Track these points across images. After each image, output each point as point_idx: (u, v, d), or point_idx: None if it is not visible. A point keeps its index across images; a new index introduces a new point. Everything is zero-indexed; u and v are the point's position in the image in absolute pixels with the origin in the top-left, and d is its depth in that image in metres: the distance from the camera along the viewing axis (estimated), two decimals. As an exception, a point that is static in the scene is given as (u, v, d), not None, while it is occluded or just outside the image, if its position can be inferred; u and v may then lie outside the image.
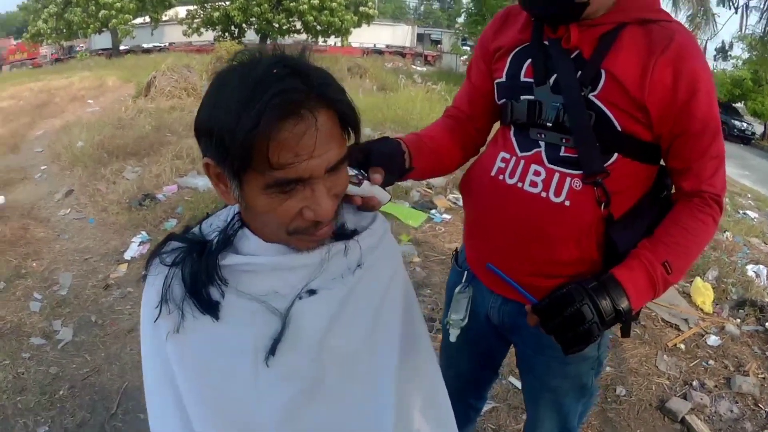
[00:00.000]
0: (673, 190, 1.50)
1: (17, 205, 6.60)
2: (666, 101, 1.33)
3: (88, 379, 3.38)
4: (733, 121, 26.58)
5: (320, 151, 0.92)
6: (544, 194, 1.43)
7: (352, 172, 1.17)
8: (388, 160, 1.36)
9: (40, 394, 3.22)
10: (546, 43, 1.47)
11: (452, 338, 1.66)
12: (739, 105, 31.05)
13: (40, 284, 4.60)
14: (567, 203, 1.41)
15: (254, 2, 26.16)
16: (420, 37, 46.45)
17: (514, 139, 1.53)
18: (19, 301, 4.31)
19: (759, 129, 29.89)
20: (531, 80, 1.49)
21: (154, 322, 1.02)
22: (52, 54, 39.79)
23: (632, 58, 1.35)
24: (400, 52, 31.70)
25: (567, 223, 1.42)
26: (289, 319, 1.03)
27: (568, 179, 1.42)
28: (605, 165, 1.39)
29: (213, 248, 1.06)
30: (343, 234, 1.14)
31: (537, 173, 1.45)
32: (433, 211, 6.00)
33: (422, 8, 78.61)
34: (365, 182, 1.22)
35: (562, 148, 1.42)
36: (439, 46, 42.40)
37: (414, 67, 22.74)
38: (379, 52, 30.90)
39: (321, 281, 1.08)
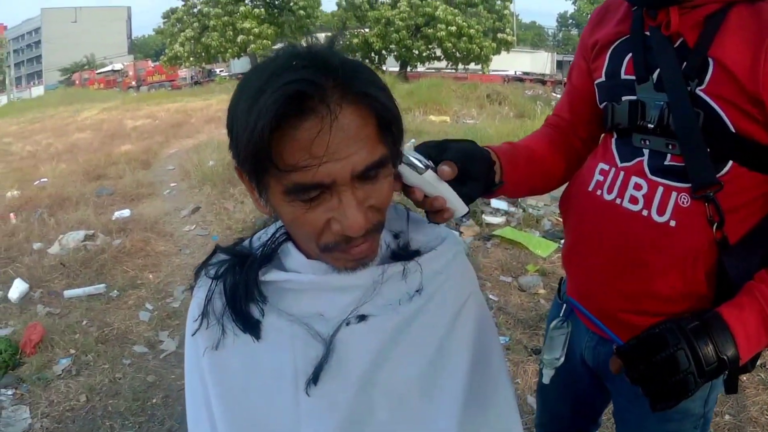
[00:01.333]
0: None
1: (142, 219, 7.06)
2: None
3: (183, 391, 3.54)
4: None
5: (343, 153, 0.82)
6: (645, 212, 1.24)
7: (415, 158, 1.04)
8: (468, 159, 1.15)
9: (133, 399, 3.42)
10: (647, 33, 1.30)
11: (545, 379, 1.45)
12: None
13: (153, 295, 4.91)
14: (672, 223, 1.21)
15: (393, 29, 26.94)
16: (559, 64, 45.90)
17: (614, 148, 1.37)
18: (130, 309, 4.64)
19: None
20: (632, 77, 1.31)
21: (192, 335, 0.99)
22: (192, 77, 42.08)
23: (742, 43, 1.15)
24: (541, 80, 31.26)
25: (671, 248, 1.21)
26: (333, 345, 0.94)
27: (674, 194, 1.21)
28: (717, 175, 1.17)
29: (255, 263, 1.00)
30: (403, 255, 1.02)
31: (638, 187, 1.27)
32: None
33: (560, 35, 78.19)
34: (431, 174, 1.06)
35: (668, 156, 1.23)
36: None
37: (554, 94, 22.42)
38: (520, 79, 30.60)
39: (372, 306, 0.97)
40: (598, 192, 1.35)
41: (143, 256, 5.77)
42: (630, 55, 1.32)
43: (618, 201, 1.30)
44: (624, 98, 1.31)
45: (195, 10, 30.01)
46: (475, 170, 1.16)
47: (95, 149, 12.77)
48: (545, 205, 6.40)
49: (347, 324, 0.95)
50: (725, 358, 1.05)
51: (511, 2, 30.59)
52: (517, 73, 34.78)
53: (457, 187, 1.11)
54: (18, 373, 3.72)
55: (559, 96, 20.97)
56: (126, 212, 7.31)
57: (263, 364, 0.96)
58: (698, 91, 1.17)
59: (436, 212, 1.09)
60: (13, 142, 16.58)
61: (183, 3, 30.44)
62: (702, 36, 1.18)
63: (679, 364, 1.04)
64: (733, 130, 1.15)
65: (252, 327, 0.97)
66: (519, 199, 6.43)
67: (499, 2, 29.93)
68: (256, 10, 29.19)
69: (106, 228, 6.59)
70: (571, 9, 72.91)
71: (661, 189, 1.23)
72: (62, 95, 35.14)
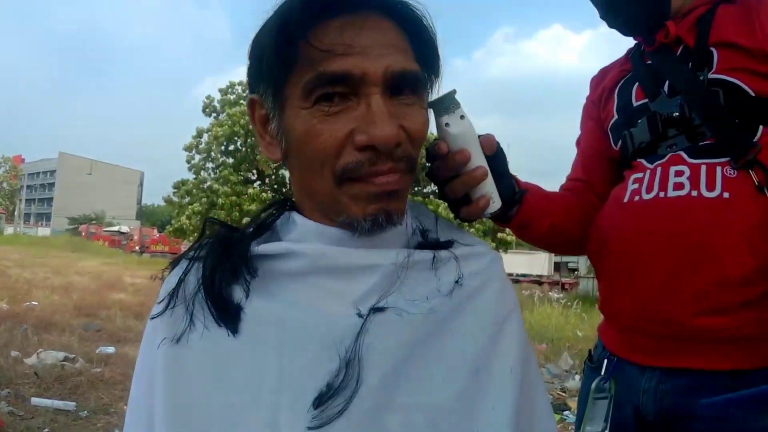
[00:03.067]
0: None
1: (126, 357, 6.92)
2: None
3: None
4: None
5: (377, 51, 0.76)
6: (695, 193, 1.19)
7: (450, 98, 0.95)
8: (492, 151, 1.04)
9: None
10: (649, 63, 1.40)
11: None
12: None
13: (122, 424, 4.64)
14: (726, 195, 1.16)
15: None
16: (557, 266, 46.06)
17: (643, 161, 1.33)
18: (98, 431, 4.44)
19: None
20: (644, 101, 1.36)
21: (151, 318, 0.82)
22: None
23: (734, 22, 1.26)
24: (537, 281, 31.71)
25: (731, 221, 1.14)
26: (353, 352, 0.74)
27: (718, 168, 1.19)
28: (753, 140, 1.18)
29: (247, 235, 0.85)
30: (430, 243, 0.88)
31: (679, 173, 1.23)
32: (567, 412, 5.69)
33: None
34: (468, 126, 0.96)
35: (699, 142, 1.23)
36: (575, 272, 41.91)
37: (551, 294, 22.84)
38: (516, 281, 30.82)
39: (396, 298, 0.79)
40: (636, 198, 1.29)
41: (121, 389, 5.58)
42: (637, 84, 1.40)
43: (661, 194, 1.24)
44: (639, 121, 1.34)
45: (205, 185, 30.10)
46: (500, 163, 1.06)
47: (90, 292, 12.74)
48: None
49: (360, 316, 0.76)
50: None
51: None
52: (515, 274, 35.04)
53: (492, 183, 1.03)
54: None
55: (555, 295, 21.21)
56: (111, 349, 7.17)
57: (236, 369, 0.75)
58: (711, 75, 1.23)
59: (469, 204, 1.02)
60: (12, 266, 16.73)
61: (194, 177, 30.76)
62: (699, 33, 1.29)
63: None
64: (753, 95, 1.19)
65: (229, 315, 0.77)
66: None
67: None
68: (264, 194, 29.35)
69: (88, 357, 6.48)
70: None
71: (704, 168, 1.20)
72: (67, 241, 35.73)
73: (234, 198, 29.33)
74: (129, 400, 0.82)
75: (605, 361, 1.34)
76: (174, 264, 0.86)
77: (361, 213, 0.77)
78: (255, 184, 31.01)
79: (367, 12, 0.77)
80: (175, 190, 31.45)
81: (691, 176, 1.20)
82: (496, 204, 1.03)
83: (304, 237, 0.82)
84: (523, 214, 1.26)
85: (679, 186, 1.21)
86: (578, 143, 1.62)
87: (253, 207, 28.07)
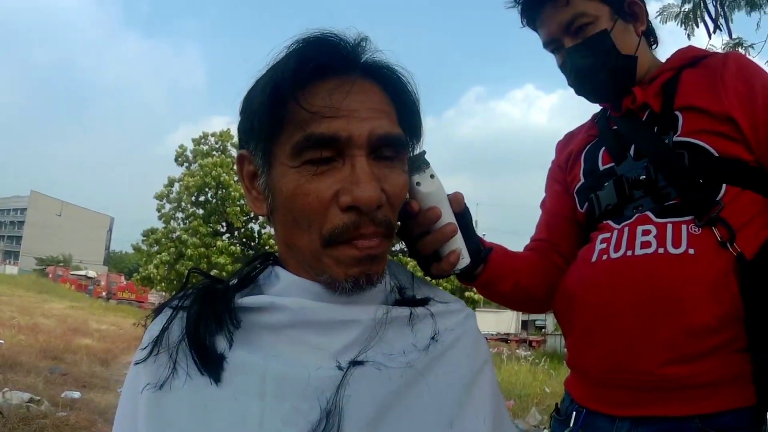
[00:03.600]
0: None
1: (92, 403, 6.86)
2: (748, 107, 1.29)
3: None
4: None
5: (364, 114, 0.80)
6: (661, 250, 1.25)
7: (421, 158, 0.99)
8: (460, 210, 1.10)
9: None
10: (615, 128, 1.47)
11: None
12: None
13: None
14: (691, 251, 1.22)
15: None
16: (524, 324, 46.16)
17: (610, 222, 1.39)
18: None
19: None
20: (610, 165, 1.43)
21: (135, 364, 0.82)
22: (160, 302, 42.29)
23: (699, 87, 1.34)
24: (505, 339, 31.62)
25: (697, 275, 1.20)
26: (334, 403, 0.76)
27: (684, 226, 1.25)
28: (716, 199, 1.26)
29: (231, 287, 0.88)
30: (407, 300, 0.91)
31: (646, 232, 1.29)
32: None
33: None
34: (438, 184, 1.01)
35: (665, 202, 1.30)
36: (543, 330, 41.87)
37: (518, 351, 22.70)
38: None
39: (375, 353, 0.81)
40: (604, 257, 1.33)
41: None
42: (603, 148, 1.47)
43: (629, 253, 1.29)
44: (606, 184, 1.41)
45: (174, 235, 29.87)
46: (467, 222, 1.12)
47: (57, 335, 12.56)
48: None
49: (340, 368, 0.79)
50: None
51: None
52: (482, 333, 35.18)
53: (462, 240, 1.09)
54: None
55: (523, 353, 21.08)
56: (76, 394, 7.11)
57: (218, 417, 0.76)
58: (676, 138, 1.31)
59: (439, 261, 1.07)
60: (-24, 303, 16.29)
61: (164, 226, 30.52)
62: (664, 98, 1.37)
63: None
64: (717, 155, 1.28)
65: (212, 364, 0.79)
66: None
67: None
68: (232, 248, 29.33)
69: (53, 400, 6.41)
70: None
71: (670, 226, 1.26)
72: (34, 282, 35.06)
73: (202, 249, 29.03)
74: None
75: (573, 413, 1.39)
76: (157, 312, 0.87)
77: (343, 275, 0.81)
78: (224, 237, 30.73)
79: (355, 76, 0.82)
80: (144, 238, 31.21)
81: (658, 235, 1.27)
82: (465, 260, 1.07)
83: (286, 291, 0.85)
84: (488, 272, 1.31)
85: (646, 244, 1.27)
86: (543, 205, 1.67)
87: (221, 259, 28.04)
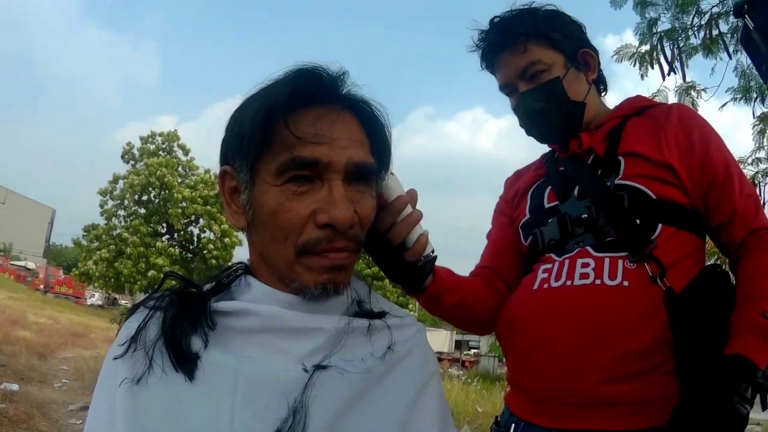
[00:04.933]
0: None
1: (30, 396, 6.96)
2: (686, 156, 1.40)
3: None
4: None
5: (343, 143, 0.88)
6: (598, 281, 1.35)
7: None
8: None
9: None
10: (561, 169, 1.55)
11: None
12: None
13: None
14: (626, 284, 1.33)
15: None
16: (458, 344, 46.63)
17: (552, 255, 1.48)
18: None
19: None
20: (555, 203, 1.51)
21: (113, 359, 0.86)
22: (97, 299, 41.73)
23: (643, 134, 1.44)
24: (438, 357, 31.39)
25: (630, 304, 1.31)
26: (300, 402, 0.83)
27: (620, 261, 1.36)
28: (651, 238, 1.36)
29: (207, 292, 0.94)
30: (366, 313, 0.99)
31: (585, 265, 1.38)
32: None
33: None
34: (397, 181, 1.12)
35: (605, 238, 1.40)
36: (475, 351, 42.77)
37: (450, 371, 22.53)
38: None
39: (337, 359, 0.90)
40: (545, 285, 1.43)
41: (25, 428, 5.76)
42: (549, 187, 1.55)
43: (569, 283, 1.39)
44: (550, 220, 1.50)
45: (115, 233, 29.52)
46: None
47: (-7, 326, 12.25)
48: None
49: (305, 371, 0.86)
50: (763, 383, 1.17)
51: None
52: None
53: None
54: None
55: (456, 372, 21.10)
56: (15, 386, 7.13)
57: (192, 411, 0.82)
58: (618, 181, 1.40)
59: (408, 250, 1.16)
60: None
61: (105, 222, 30.04)
62: (609, 144, 1.46)
63: (739, 413, 1.14)
64: (655, 197, 1.38)
65: (187, 362, 0.84)
66: None
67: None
68: (171, 249, 29.13)
69: (-9, 392, 6.46)
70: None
71: (607, 260, 1.36)
72: (-28, 269, 33.91)
73: (142, 249, 28.62)
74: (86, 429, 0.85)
75: (512, 425, 1.47)
76: (132, 311, 0.93)
77: (313, 282, 0.88)
78: (164, 238, 30.29)
79: (337, 106, 0.90)
80: (85, 234, 30.53)
81: (596, 267, 1.37)
82: (431, 246, 1.18)
83: (258, 298, 0.92)
84: (435, 285, 1.38)
85: (584, 275, 1.37)
86: (489, 236, 1.75)
87: (160, 261, 27.60)
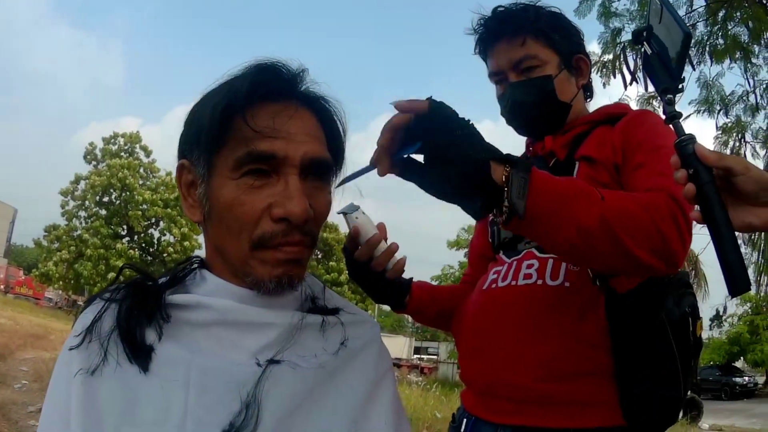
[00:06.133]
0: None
1: None
2: (626, 153, 1.37)
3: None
4: (734, 379, 28.13)
5: (300, 138, 0.88)
6: (540, 282, 1.37)
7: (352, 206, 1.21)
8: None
9: None
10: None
11: None
12: (738, 363, 32.69)
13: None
14: (567, 284, 1.35)
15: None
16: (417, 350, 46.45)
17: (503, 256, 1.53)
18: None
19: (761, 380, 30.98)
20: None
21: (69, 350, 0.86)
22: (57, 301, 41.32)
23: (600, 139, 1.44)
24: (397, 363, 29.29)
25: (569, 304, 1.33)
26: (253, 396, 0.83)
27: (563, 263, 1.36)
28: None
29: (162, 285, 0.93)
30: (319, 309, 1.00)
31: (530, 266, 1.41)
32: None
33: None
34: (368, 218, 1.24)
35: None
36: (435, 357, 42.46)
37: (409, 377, 22.05)
38: None
39: (292, 354, 0.90)
40: (493, 286, 1.47)
41: None
42: None
43: (513, 283, 1.42)
44: None
45: (75, 234, 29.29)
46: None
47: (-51, 323, 11.71)
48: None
49: (259, 365, 0.86)
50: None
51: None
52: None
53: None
54: None
55: (414, 379, 20.85)
56: None
57: (146, 403, 0.81)
58: None
59: (387, 271, 1.31)
60: None
61: (66, 223, 29.76)
62: (570, 149, 1.47)
63: None
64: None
65: (141, 354, 0.84)
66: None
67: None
68: (131, 252, 28.89)
69: (-52, 391, 6.72)
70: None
71: (551, 261, 1.37)
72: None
73: (102, 251, 28.29)
74: (41, 421, 0.85)
75: (464, 420, 1.51)
76: (88, 302, 0.92)
77: (268, 275, 0.88)
78: (124, 240, 29.92)
79: (295, 102, 0.92)
80: (46, 234, 30.18)
81: (539, 268, 1.39)
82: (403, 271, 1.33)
83: (212, 292, 0.92)
84: (413, 302, 1.56)
85: (528, 276, 1.40)
86: (470, 245, 1.84)
87: (120, 263, 25.92)
